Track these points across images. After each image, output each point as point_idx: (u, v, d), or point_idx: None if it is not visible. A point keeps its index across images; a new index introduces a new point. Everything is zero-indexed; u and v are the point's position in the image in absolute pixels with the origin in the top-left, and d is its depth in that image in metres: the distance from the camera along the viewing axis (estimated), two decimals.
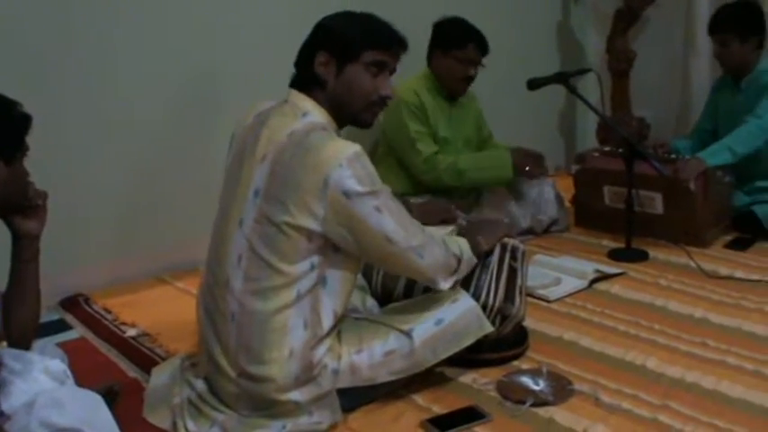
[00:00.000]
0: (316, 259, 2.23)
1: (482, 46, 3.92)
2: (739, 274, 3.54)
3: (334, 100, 2.33)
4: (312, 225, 2.18)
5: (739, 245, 3.92)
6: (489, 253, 2.66)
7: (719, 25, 4.10)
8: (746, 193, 4.17)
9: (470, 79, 3.98)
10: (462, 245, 2.52)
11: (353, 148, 2.20)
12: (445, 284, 2.44)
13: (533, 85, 3.84)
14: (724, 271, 3.57)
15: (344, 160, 2.17)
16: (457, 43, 3.91)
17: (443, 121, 4.02)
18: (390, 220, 2.24)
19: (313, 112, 2.30)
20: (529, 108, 4.80)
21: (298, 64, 2.38)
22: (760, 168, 4.14)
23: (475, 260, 2.57)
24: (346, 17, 2.39)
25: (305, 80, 2.35)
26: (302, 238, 2.19)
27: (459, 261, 2.46)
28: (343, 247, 2.25)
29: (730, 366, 2.70)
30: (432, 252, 2.35)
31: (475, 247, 2.57)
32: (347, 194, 2.17)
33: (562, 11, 5.44)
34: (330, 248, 2.25)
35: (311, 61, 2.32)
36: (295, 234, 2.18)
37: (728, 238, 4.01)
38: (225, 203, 2.38)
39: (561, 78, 3.87)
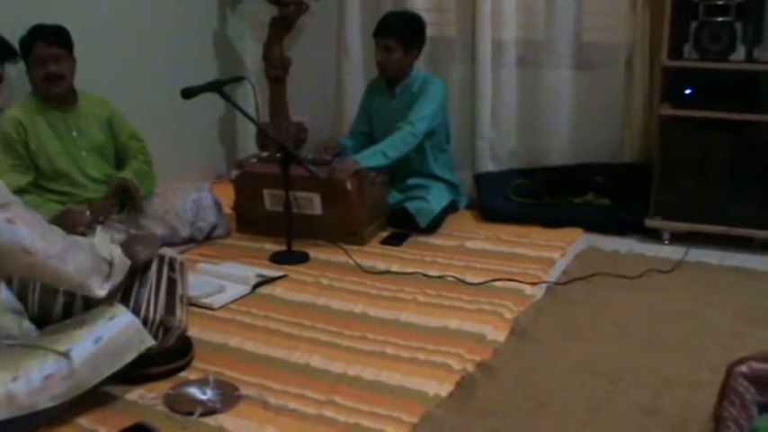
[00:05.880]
0: None
1: (50, 36, 3.57)
2: (395, 268, 3.72)
3: None
4: None
5: (395, 240, 4.12)
6: (147, 267, 2.63)
7: (388, 31, 4.26)
8: (399, 190, 4.42)
9: (52, 76, 3.59)
10: (113, 250, 2.48)
11: None
12: (101, 291, 2.39)
13: (187, 94, 3.77)
14: (381, 266, 3.74)
15: None
16: (26, 48, 3.55)
17: (50, 140, 3.71)
18: (26, 230, 2.17)
19: None
20: (187, 116, 4.74)
21: None
22: (411, 168, 4.42)
23: (129, 263, 2.53)
24: None
25: None
26: None
27: (111, 264, 2.42)
28: None
29: (389, 357, 2.85)
30: (76, 257, 2.30)
31: (132, 256, 2.55)
32: None
33: (218, 18, 5.44)
34: None
35: None
36: None
37: (384, 234, 4.20)
38: None
39: (215, 87, 3.85)
